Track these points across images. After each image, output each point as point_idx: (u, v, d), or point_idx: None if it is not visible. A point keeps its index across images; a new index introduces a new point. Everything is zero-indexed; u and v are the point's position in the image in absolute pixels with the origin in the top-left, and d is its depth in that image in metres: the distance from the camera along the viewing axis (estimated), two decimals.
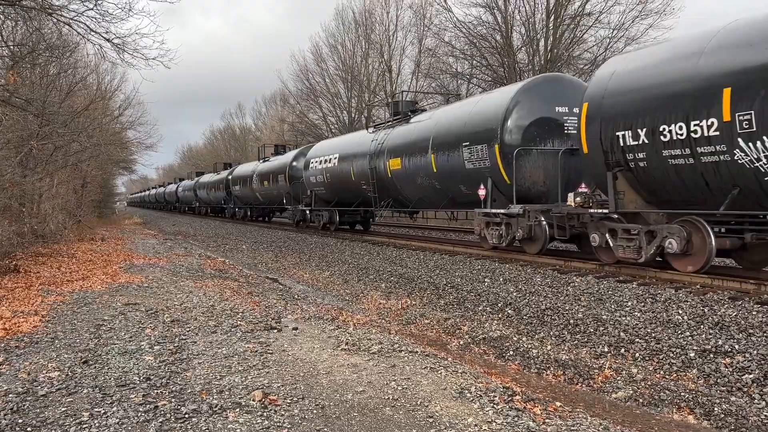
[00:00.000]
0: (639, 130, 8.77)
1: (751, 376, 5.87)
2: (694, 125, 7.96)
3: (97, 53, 12.30)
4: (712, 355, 6.36)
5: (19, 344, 6.02)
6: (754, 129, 7.24)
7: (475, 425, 4.11)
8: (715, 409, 5.58)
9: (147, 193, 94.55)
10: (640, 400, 6.03)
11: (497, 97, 13.06)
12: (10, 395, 4.49)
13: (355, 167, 18.84)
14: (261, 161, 31.50)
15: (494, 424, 4.16)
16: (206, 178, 47.38)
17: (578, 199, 10.31)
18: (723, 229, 8.77)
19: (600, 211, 9.92)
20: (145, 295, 9.38)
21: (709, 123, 7.78)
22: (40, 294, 9.02)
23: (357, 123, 38.09)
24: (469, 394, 4.79)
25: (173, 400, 4.45)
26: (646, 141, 8.69)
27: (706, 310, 7.24)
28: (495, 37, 27.21)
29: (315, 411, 4.32)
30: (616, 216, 9.63)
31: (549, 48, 25.66)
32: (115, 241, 21.09)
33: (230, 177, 37.17)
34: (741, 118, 7.37)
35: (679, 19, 26.82)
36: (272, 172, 28.16)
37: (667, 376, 6.34)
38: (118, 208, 72.85)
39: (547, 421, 4.35)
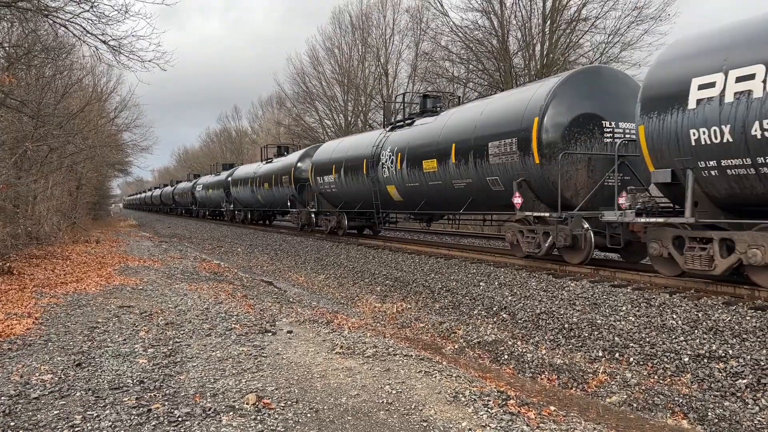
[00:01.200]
0: None
1: (745, 381, 5.88)
2: None
3: (93, 55, 12.29)
4: (706, 360, 6.37)
5: (11, 346, 5.99)
6: None
7: (469, 429, 4.11)
8: (709, 414, 5.59)
9: (148, 194, 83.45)
10: (634, 405, 6.04)
11: None
12: (2, 398, 4.47)
13: None
14: (389, 129, 17.87)
15: (488, 428, 4.16)
16: (249, 169, 32.57)
17: None
18: None
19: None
20: (139, 297, 9.35)
21: None
22: (34, 296, 8.98)
23: (353, 126, 38.09)
24: (463, 398, 4.79)
25: (167, 403, 4.44)
26: None
27: (700, 315, 7.26)
28: (491, 41, 27.27)
29: (309, 415, 4.31)
30: None
31: (545, 53, 25.74)
32: (110, 243, 21.02)
33: (306, 165, 23.85)
34: None
35: (675, 25, 26.92)
36: (450, 146, 13.59)
37: (661, 381, 6.35)
38: (113, 210, 72.28)
39: (541, 425, 4.35)
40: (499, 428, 4.16)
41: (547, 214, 11.13)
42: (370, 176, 17.78)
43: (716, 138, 7.69)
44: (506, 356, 7.88)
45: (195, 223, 42.43)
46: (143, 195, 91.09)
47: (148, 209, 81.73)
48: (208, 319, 7.70)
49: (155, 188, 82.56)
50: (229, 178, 35.38)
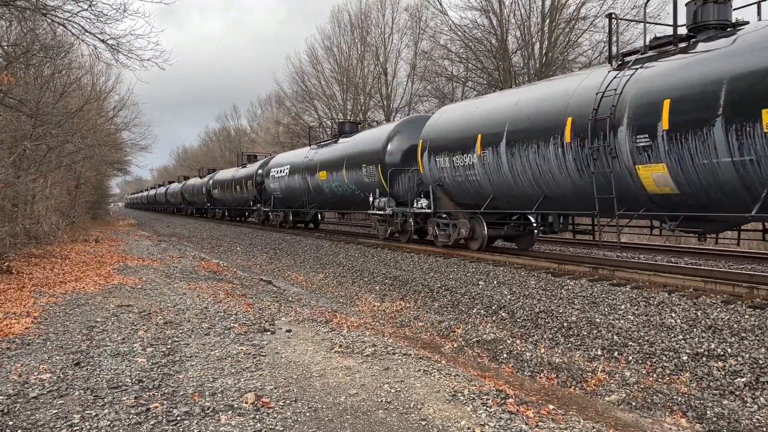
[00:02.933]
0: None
1: (744, 379, 5.89)
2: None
3: (92, 54, 12.33)
4: (704, 359, 6.38)
5: (10, 346, 5.99)
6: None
7: (468, 428, 4.11)
8: (708, 412, 5.59)
9: (161, 190, 67.15)
10: (633, 404, 6.04)
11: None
12: (1, 397, 4.47)
13: None
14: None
15: (487, 427, 4.16)
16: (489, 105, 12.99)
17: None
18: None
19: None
20: (138, 296, 9.35)
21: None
22: (33, 295, 8.97)
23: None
24: (462, 397, 4.79)
25: (165, 402, 4.44)
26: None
27: (698, 314, 7.26)
28: (490, 40, 27.28)
29: (308, 414, 4.31)
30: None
31: (544, 51, 25.75)
32: (109, 242, 21.02)
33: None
34: None
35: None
36: None
37: (659, 380, 6.36)
38: (113, 210, 71.71)
39: (539, 423, 4.36)
40: (497, 427, 4.17)
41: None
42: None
43: None
44: (505, 355, 7.88)
45: (195, 222, 41.90)
46: (150, 193, 76.57)
47: (158, 209, 68.61)
48: (207, 318, 7.70)
49: (169, 183, 66.47)
50: (391, 145, 16.58)
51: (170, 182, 67.14)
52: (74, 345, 6.10)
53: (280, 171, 25.54)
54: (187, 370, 5.32)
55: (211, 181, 40.05)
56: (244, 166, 33.54)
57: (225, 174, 37.36)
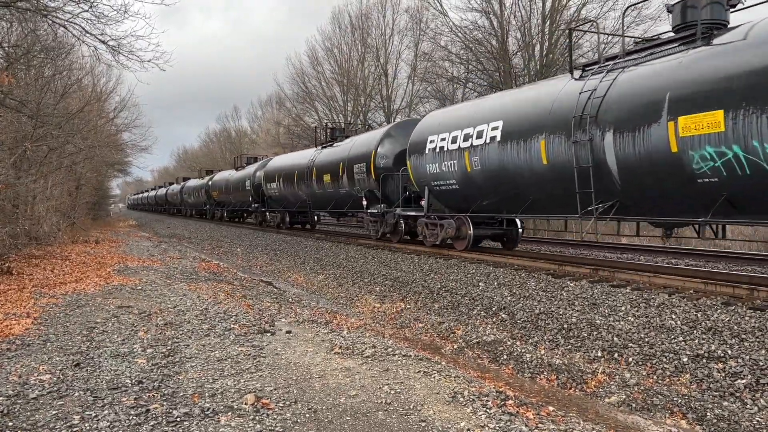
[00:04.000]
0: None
1: (744, 381, 5.88)
2: None
3: (93, 55, 12.35)
4: (704, 360, 6.37)
5: (10, 347, 5.99)
6: None
7: (468, 429, 4.11)
8: (708, 414, 5.59)
9: (168, 190, 58.28)
10: (633, 405, 6.04)
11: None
12: (0, 398, 4.47)
13: None
14: None
15: (487, 428, 4.15)
16: None
17: None
18: None
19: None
20: (138, 297, 9.35)
21: None
22: (33, 296, 8.97)
23: (353, 126, 38.10)
24: (462, 399, 4.78)
25: (165, 403, 4.44)
26: None
27: (699, 315, 7.26)
28: (491, 41, 27.30)
29: (307, 415, 4.31)
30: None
31: (544, 53, 25.77)
32: (109, 243, 21.01)
33: None
34: None
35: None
36: None
37: (660, 381, 6.35)
38: (113, 211, 71.64)
39: (539, 425, 4.35)
40: (497, 428, 4.16)
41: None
42: None
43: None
44: (505, 356, 7.88)
45: (195, 223, 41.97)
46: (159, 192, 66.53)
47: (170, 211, 59.30)
48: (207, 319, 7.70)
49: (184, 180, 55.76)
50: None
51: (185, 179, 55.35)
52: (74, 346, 6.10)
53: (466, 138, 12.65)
54: (187, 371, 5.32)
55: (260, 173, 27.27)
56: (330, 145, 20.92)
57: (290, 159, 24.79)
